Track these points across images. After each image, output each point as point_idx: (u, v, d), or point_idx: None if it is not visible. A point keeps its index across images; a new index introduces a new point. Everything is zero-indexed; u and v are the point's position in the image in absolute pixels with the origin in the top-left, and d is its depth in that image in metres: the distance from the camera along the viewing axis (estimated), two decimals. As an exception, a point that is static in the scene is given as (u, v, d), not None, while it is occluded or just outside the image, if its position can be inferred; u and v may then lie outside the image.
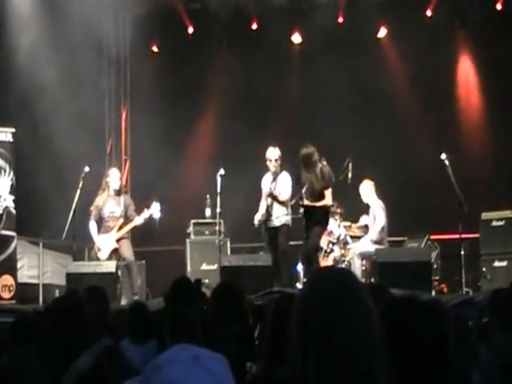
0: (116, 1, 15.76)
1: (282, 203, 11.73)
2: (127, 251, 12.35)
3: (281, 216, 11.76)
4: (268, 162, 11.87)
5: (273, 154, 11.85)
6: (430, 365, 2.48)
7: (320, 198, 11.53)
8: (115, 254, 12.38)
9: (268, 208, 11.77)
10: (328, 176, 11.57)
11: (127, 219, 12.39)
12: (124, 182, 14.62)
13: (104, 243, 12.35)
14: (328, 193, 11.55)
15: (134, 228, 12.53)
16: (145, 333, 6.32)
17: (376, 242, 12.61)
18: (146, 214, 12.30)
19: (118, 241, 12.32)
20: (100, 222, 12.49)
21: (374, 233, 12.67)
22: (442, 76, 15.47)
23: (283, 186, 11.82)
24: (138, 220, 12.30)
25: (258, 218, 11.79)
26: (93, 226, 12.47)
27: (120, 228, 12.33)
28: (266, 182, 11.99)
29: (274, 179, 11.90)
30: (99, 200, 12.52)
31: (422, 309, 2.60)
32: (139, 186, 15.17)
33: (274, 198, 11.73)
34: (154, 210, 12.33)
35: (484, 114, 15.37)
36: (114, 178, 12.61)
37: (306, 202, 11.50)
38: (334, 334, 2.08)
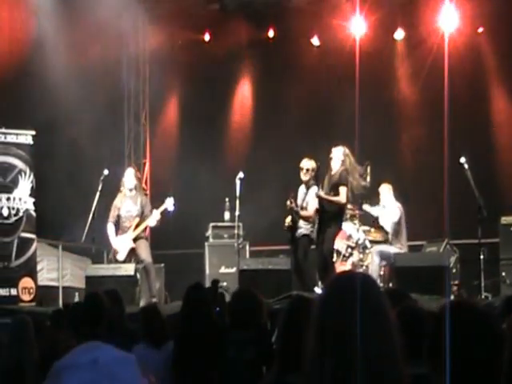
0: (135, 3, 15.80)
1: (304, 218, 11.74)
2: (144, 253, 12.38)
3: (303, 227, 11.75)
4: (300, 171, 11.89)
5: (305, 163, 11.86)
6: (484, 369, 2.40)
7: (335, 195, 11.51)
8: (133, 254, 12.41)
9: (294, 218, 11.77)
10: (345, 177, 11.56)
11: (142, 219, 12.44)
12: (143, 185, 14.64)
13: (121, 244, 12.40)
14: (343, 190, 11.50)
15: (147, 227, 12.53)
16: (159, 336, 6.35)
17: (393, 237, 12.53)
18: (160, 208, 12.37)
19: (134, 240, 12.36)
20: (118, 223, 12.54)
21: (389, 223, 12.61)
22: (460, 79, 15.42)
23: (310, 199, 11.81)
24: (155, 214, 12.31)
25: (288, 220, 11.79)
26: (110, 227, 12.51)
27: (136, 227, 12.37)
28: (300, 194, 12.02)
29: (306, 192, 11.91)
30: (117, 201, 12.59)
31: (479, 312, 2.53)
32: (158, 188, 15.22)
33: (296, 213, 11.73)
34: (168, 204, 12.43)
35: (503, 116, 15.29)
36: (129, 176, 12.64)
37: (320, 193, 11.49)
38: (350, 340, 2.08)
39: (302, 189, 12.01)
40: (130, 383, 1.71)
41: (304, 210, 11.83)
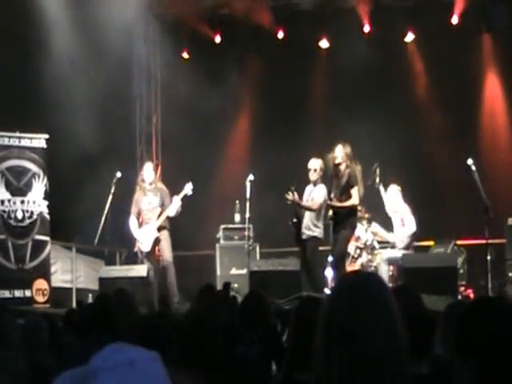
0: (147, 9, 15.95)
1: (309, 210, 11.81)
2: (166, 250, 12.49)
3: (310, 228, 11.79)
4: (308, 172, 11.96)
5: (312, 164, 11.91)
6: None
7: (347, 197, 11.54)
8: (158, 244, 12.54)
9: (299, 216, 11.87)
10: (354, 177, 11.56)
11: (164, 209, 12.52)
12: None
13: (145, 235, 12.54)
14: (354, 191, 11.51)
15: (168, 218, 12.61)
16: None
17: (405, 248, 12.67)
18: (180, 194, 12.48)
19: (159, 230, 12.49)
20: (140, 216, 12.66)
21: (404, 237, 12.72)
22: (468, 81, 15.51)
23: (315, 194, 11.86)
24: (175, 201, 12.41)
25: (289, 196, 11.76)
26: (133, 221, 12.63)
27: (159, 216, 12.48)
28: (306, 192, 12.12)
29: (312, 190, 11.98)
30: (137, 196, 12.70)
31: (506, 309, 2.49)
32: (169, 190, 15.33)
33: (298, 204, 11.78)
34: (187, 190, 12.52)
35: (510, 118, 15.36)
36: (148, 170, 12.75)
37: (334, 203, 11.50)
38: (357, 338, 2.11)
39: (308, 188, 12.07)
40: (164, 381, 1.73)
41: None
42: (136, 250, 12.95)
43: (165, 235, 12.57)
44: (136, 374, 1.64)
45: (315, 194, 11.88)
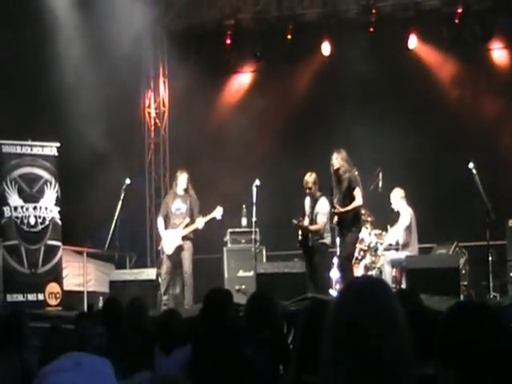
0: (154, 20, 16.17)
1: (316, 232, 11.96)
2: (187, 261, 12.91)
3: (318, 237, 11.99)
4: (305, 189, 12.16)
5: (307, 180, 12.09)
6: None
7: (350, 200, 11.69)
8: (180, 250, 12.91)
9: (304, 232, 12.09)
10: (355, 179, 11.70)
11: (192, 218, 12.95)
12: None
13: (170, 238, 12.95)
14: (357, 192, 11.65)
15: (196, 230, 13.00)
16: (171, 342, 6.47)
17: (404, 246, 12.88)
18: (208, 216, 12.93)
19: (183, 239, 12.90)
20: (167, 218, 13.09)
21: (398, 234, 12.94)
22: (468, 86, 15.65)
23: (318, 214, 12.03)
24: (201, 221, 12.84)
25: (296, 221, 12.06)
26: (160, 221, 13.17)
27: (186, 226, 12.89)
28: (307, 204, 12.31)
29: (313, 205, 12.15)
30: (167, 198, 13.32)
31: (491, 312, 2.50)
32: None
33: (306, 228, 12.00)
34: (217, 213, 12.96)
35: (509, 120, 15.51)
36: (183, 178, 13.16)
37: (339, 209, 11.62)
38: (361, 340, 2.15)
39: (307, 200, 12.29)
40: (110, 380, 1.99)
41: (314, 222, 12.04)
42: (160, 248, 13.34)
43: (188, 245, 12.98)
44: (80, 374, 1.92)
45: (319, 211, 12.05)
